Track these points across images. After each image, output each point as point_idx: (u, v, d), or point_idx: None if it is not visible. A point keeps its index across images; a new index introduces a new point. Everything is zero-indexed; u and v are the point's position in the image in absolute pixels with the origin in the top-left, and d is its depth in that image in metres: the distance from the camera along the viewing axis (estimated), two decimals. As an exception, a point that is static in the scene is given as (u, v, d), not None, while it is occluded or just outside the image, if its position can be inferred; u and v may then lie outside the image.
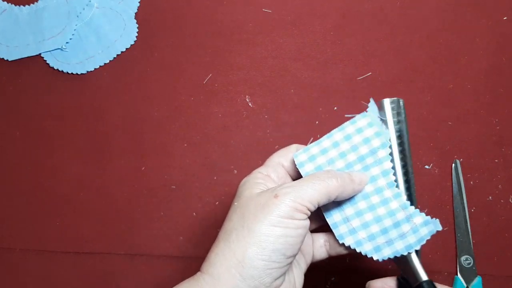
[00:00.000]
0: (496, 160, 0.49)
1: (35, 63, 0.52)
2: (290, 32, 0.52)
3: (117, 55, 0.52)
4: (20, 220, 0.49)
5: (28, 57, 0.52)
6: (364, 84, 0.51)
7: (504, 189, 0.49)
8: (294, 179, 0.38)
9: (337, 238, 0.37)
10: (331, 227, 0.37)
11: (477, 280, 0.46)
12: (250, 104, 0.51)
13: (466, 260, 0.47)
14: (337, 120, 0.49)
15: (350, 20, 0.52)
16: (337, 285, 0.47)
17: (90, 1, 0.52)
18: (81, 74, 0.51)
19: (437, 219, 0.35)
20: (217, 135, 0.50)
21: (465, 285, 0.46)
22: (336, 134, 0.38)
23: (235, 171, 0.49)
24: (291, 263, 0.34)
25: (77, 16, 0.52)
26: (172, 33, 0.52)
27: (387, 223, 0.36)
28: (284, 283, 0.34)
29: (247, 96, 0.51)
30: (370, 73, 0.51)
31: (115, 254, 0.48)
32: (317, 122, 0.50)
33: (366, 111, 0.38)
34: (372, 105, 0.38)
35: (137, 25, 0.52)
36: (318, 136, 0.49)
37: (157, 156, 0.50)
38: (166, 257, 0.48)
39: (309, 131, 0.50)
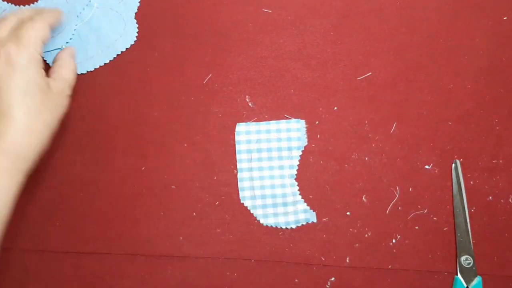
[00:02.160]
0: (496, 160, 0.49)
1: (35, 63, 0.52)
2: (290, 32, 0.52)
3: (117, 55, 0.52)
4: (19, 220, 0.49)
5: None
6: (364, 84, 0.51)
7: (504, 189, 0.49)
8: None
9: (240, 199, 0.48)
10: (239, 189, 0.48)
11: (477, 280, 0.46)
12: (250, 104, 0.51)
13: (466, 260, 0.47)
14: (337, 120, 0.50)
15: (350, 20, 0.52)
16: (337, 284, 0.47)
17: (90, 1, 0.52)
18: (81, 74, 0.51)
19: (314, 212, 0.48)
20: (217, 135, 0.50)
21: (465, 285, 0.46)
22: (273, 124, 0.49)
23: (235, 171, 0.49)
24: None
25: (77, 16, 0.52)
26: (172, 33, 0.52)
27: (278, 201, 0.48)
28: None
29: (247, 96, 0.51)
30: (370, 73, 0.51)
31: (115, 254, 0.48)
32: (317, 122, 0.50)
33: (300, 120, 0.49)
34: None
35: (137, 25, 0.52)
36: (318, 136, 0.50)
37: (157, 156, 0.50)
38: (166, 257, 0.48)
39: (309, 131, 0.50)
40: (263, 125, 0.49)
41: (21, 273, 0.49)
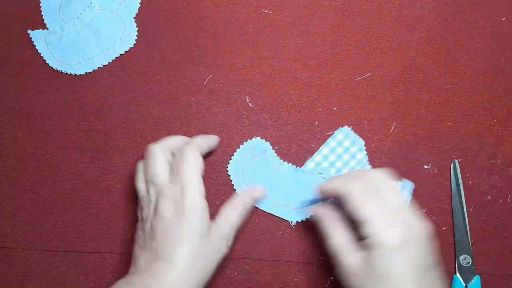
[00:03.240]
0: (495, 160, 0.49)
1: (35, 64, 0.52)
2: (290, 32, 0.52)
3: (116, 57, 0.52)
4: (21, 219, 0.50)
5: (28, 57, 0.52)
6: (363, 84, 0.51)
7: (502, 189, 0.49)
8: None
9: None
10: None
11: (476, 279, 0.47)
12: (250, 104, 0.51)
13: (464, 259, 0.47)
14: (337, 120, 0.50)
15: (350, 20, 0.52)
16: (337, 284, 0.48)
17: (91, 3, 0.52)
18: (81, 74, 0.52)
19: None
20: (217, 135, 0.50)
21: (463, 284, 0.46)
22: (324, 149, 0.49)
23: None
24: None
25: (78, 18, 0.52)
26: (173, 34, 0.52)
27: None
28: None
29: (247, 96, 0.51)
30: (369, 73, 0.51)
31: (116, 253, 0.49)
32: (316, 122, 0.50)
33: (341, 127, 0.50)
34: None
35: (137, 28, 0.52)
36: (318, 136, 0.50)
37: (158, 156, 0.50)
38: (166, 256, 0.48)
39: (309, 131, 0.50)
40: (317, 157, 0.49)
41: (22, 272, 0.49)
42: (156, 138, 0.50)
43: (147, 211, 0.42)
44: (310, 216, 0.47)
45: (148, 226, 0.42)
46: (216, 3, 0.53)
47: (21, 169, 0.50)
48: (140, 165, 0.46)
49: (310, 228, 0.48)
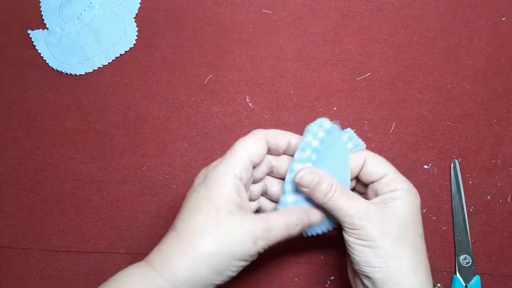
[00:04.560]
0: (495, 160, 0.49)
1: (35, 64, 0.52)
2: (290, 32, 0.52)
3: (116, 57, 0.52)
4: (21, 219, 0.50)
5: (28, 57, 0.52)
6: (363, 84, 0.51)
7: (502, 189, 0.49)
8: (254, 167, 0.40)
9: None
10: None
11: (476, 279, 0.47)
12: (250, 104, 0.51)
13: (465, 259, 0.47)
14: (337, 120, 0.50)
15: (350, 20, 0.52)
16: (337, 283, 0.48)
17: (91, 3, 0.52)
18: (80, 74, 0.52)
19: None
20: (217, 135, 0.50)
21: (464, 284, 0.46)
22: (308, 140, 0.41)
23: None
24: None
25: (78, 18, 0.52)
26: (173, 34, 0.52)
27: None
28: None
29: (247, 96, 0.51)
30: (369, 73, 0.51)
31: (116, 253, 0.49)
32: (316, 122, 0.50)
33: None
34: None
35: (137, 28, 0.52)
36: (318, 136, 0.50)
37: (158, 156, 0.50)
38: (166, 256, 0.48)
39: (309, 131, 0.50)
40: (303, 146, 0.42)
41: (22, 272, 0.49)
42: (156, 138, 0.50)
43: None
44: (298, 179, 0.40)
45: None
46: (216, 3, 0.53)
47: (21, 169, 0.50)
48: None
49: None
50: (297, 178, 0.40)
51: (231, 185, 0.37)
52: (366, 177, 0.42)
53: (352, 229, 0.38)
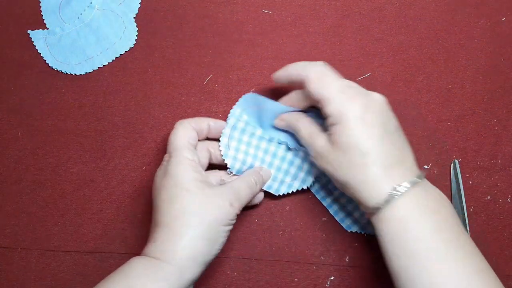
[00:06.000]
0: (495, 160, 0.49)
1: (35, 64, 0.52)
2: (290, 32, 0.52)
3: (116, 57, 0.52)
4: (21, 219, 0.50)
5: (28, 57, 0.52)
6: (363, 84, 0.50)
7: (502, 189, 0.49)
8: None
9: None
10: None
11: (476, 279, 0.46)
12: (250, 104, 0.51)
13: (464, 259, 0.47)
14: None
15: (350, 20, 0.52)
16: (337, 283, 0.48)
17: (91, 3, 0.52)
18: (80, 74, 0.52)
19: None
20: (217, 135, 0.50)
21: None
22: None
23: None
24: None
25: (78, 18, 0.52)
26: (172, 34, 0.52)
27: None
28: None
29: (247, 96, 0.51)
30: (369, 73, 0.51)
31: (116, 253, 0.49)
32: (316, 122, 0.50)
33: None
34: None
35: (137, 28, 0.52)
36: (318, 136, 0.50)
37: (158, 155, 0.50)
38: (166, 256, 0.48)
39: (309, 131, 0.50)
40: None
41: (22, 272, 0.49)
42: (156, 138, 0.50)
43: None
44: (279, 124, 0.46)
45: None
46: (216, 3, 0.53)
47: (21, 169, 0.50)
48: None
49: (310, 228, 0.48)
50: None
51: (190, 168, 0.41)
52: (314, 103, 0.42)
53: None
